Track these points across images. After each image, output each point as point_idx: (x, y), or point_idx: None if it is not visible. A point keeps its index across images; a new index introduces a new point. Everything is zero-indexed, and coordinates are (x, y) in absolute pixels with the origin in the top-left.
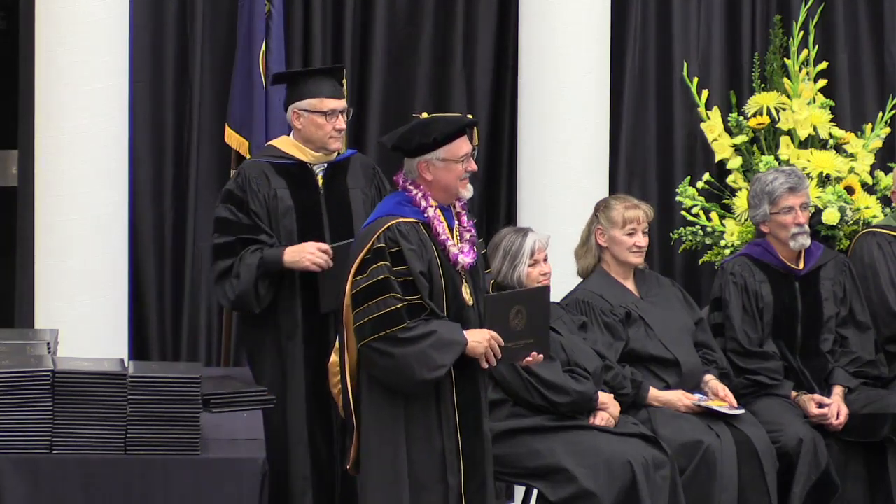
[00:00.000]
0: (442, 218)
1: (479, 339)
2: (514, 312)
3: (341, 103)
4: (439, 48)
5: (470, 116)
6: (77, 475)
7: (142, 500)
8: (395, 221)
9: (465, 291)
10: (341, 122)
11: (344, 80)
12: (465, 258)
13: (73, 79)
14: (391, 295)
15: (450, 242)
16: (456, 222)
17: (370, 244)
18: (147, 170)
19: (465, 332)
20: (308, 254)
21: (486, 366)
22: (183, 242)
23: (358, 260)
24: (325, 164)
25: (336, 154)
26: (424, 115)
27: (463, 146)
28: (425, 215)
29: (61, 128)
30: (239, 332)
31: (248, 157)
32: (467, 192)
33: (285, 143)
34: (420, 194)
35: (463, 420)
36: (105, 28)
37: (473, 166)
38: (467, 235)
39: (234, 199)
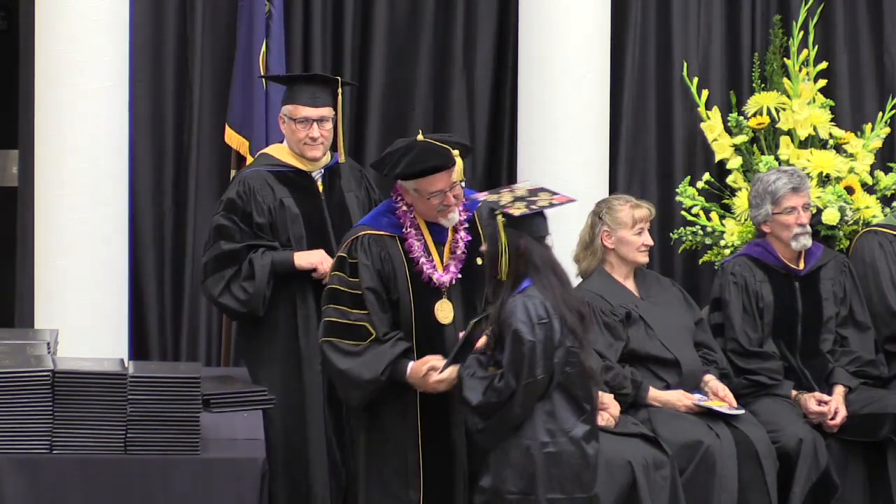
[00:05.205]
0: (426, 233)
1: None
2: None
3: (317, 112)
4: (439, 48)
5: (455, 152)
6: (77, 475)
7: (142, 500)
8: (364, 233)
9: (442, 309)
10: (315, 131)
11: (339, 90)
12: (441, 276)
13: (73, 79)
14: (336, 306)
15: (423, 259)
16: (450, 237)
17: (339, 250)
18: (147, 170)
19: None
20: (319, 254)
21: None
22: (183, 242)
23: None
24: (322, 170)
25: (328, 160)
26: (420, 137)
27: (435, 183)
28: (402, 230)
29: (61, 128)
30: (239, 346)
31: (248, 157)
32: (447, 221)
33: (280, 152)
34: (405, 208)
35: (427, 434)
36: (105, 28)
37: (451, 200)
38: (458, 251)
39: (235, 209)
